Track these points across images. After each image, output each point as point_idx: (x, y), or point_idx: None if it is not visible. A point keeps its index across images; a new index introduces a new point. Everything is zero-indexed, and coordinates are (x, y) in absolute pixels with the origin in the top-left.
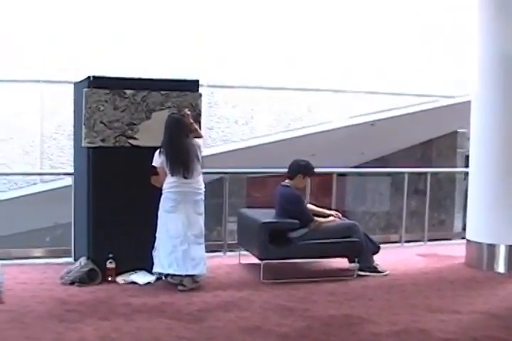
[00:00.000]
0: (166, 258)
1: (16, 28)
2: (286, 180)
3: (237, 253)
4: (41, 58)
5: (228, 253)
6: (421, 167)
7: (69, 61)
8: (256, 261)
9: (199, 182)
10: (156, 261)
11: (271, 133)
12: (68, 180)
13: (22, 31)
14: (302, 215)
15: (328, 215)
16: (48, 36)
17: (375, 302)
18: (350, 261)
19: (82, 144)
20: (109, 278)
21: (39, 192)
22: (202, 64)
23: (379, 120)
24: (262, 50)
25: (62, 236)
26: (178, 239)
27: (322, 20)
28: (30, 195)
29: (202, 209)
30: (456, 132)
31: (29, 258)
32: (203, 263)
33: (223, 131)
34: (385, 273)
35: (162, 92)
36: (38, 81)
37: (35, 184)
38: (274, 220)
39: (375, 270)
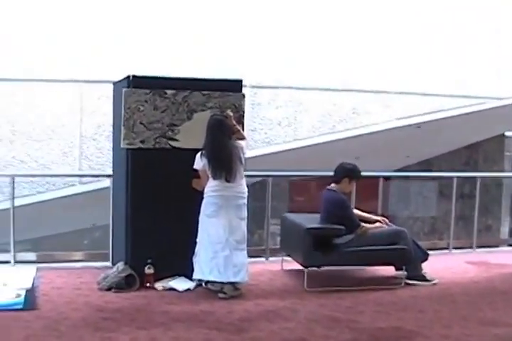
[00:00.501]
0: (206, 264)
1: (54, 27)
2: (332, 184)
3: (280, 258)
4: (81, 57)
5: (270, 259)
6: (466, 171)
7: (109, 60)
8: (299, 267)
9: (242, 185)
10: (196, 267)
11: (314, 135)
12: (106, 182)
13: (60, 30)
14: (348, 221)
15: (375, 221)
16: (88, 34)
17: (425, 313)
18: (397, 269)
19: (121, 145)
20: (148, 285)
21: (78, 194)
22: (245, 64)
23: (425, 122)
24: (306, 50)
25: (100, 239)
26: (220, 244)
27: (365, 17)
28: (69, 196)
29: (244, 213)
30: (503, 135)
31: (66, 261)
32: (245, 269)
33: (266, 132)
34: (433, 282)
35: (204, 92)
36: (77, 81)
37: (73, 185)
38: (319, 226)
39: (423, 279)
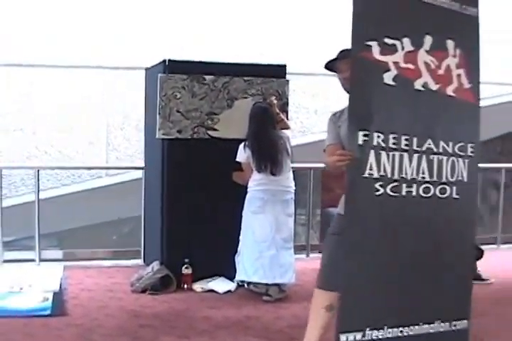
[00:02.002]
0: (251, 264)
1: (78, 11)
2: None
3: (320, 255)
4: (107, 43)
5: (311, 255)
6: (500, 161)
7: (137, 46)
8: None
9: (289, 179)
10: (239, 267)
11: None
12: (134, 174)
13: (85, 14)
14: None
15: None
16: (115, 18)
17: (488, 317)
18: None
19: (157, 136)
20: (185, 286)
21: (104, 186)
22: (280, 50)
23: None
24: (341, 35)
25: (130, 235)
26: (265, 243)
27: None
28: (95, 188)
29: (292, 209)
30: None
31: (94, 259)
32: (292, 270)
33: (302, 121)
34: (489, 282)
35: (245, 78)
36: (103, 67)
37: (100, 177)
38: None
39: (479, 278)
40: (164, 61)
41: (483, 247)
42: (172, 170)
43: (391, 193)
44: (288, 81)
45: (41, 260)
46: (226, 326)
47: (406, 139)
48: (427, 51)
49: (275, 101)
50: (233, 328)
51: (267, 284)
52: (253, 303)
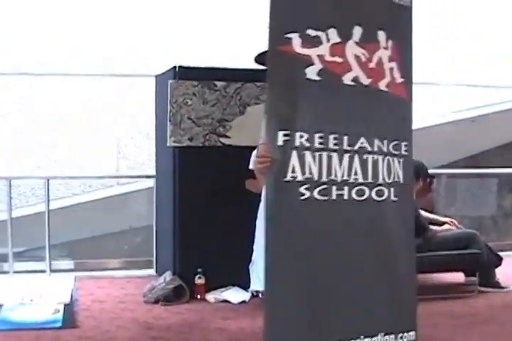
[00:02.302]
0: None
1: (87, 20)
2: None
3: None
4: (117, 51)
5: None
6: None
7: (148, 53)
8: None
9: None
10: (253, 276)
11: None
12: (146, 182)
13: (93, 21)
14: (416, 223)
15: (443, 223)
16: (124, 26)
17: (508, 326)
18: (468, 275)
19: (168, 143)
20: (198, 296)
21: (115, 196)
22: None
23: (481, 115)
24: None
25: (141, 244)
26: None
27: None
28: (107, 198)
29: None
30: None
31: (106, 269)
32: None
33: None
34: (508, 289)
35: (258, 84)
36: (113, 75)
37: (111, 186)
38: None
39: (497, 285)
40: (174, 67)
41: (501, 254)
42: (184, 178)
43: (319, 197)
44: None
45: (52, 271)
46: (241, 338)
47: (335, 138)
48: (356, 43)
49: None
50: (248, 340)
51: None
52: None
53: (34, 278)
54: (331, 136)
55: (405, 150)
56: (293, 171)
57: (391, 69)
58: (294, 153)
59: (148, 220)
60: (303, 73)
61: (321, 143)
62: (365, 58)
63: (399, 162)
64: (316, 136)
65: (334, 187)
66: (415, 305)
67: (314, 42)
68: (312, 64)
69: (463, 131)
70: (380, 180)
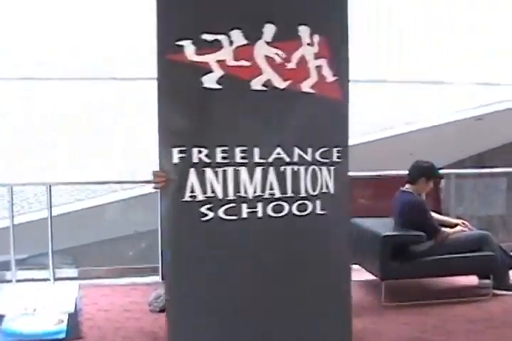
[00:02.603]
0: None
1: (86, 23)
2: (407, 185)
3: None
4: (117, 53)
5: None
6: None
7: (150, 54)
8: (370, 277)
9: None
10: None
11: (370, 131)
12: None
13: (91, 25)
14: (428, 226)
15: (455, 224)
16: (124, 28)
17: None
18: (481, 277)
19: None
20: None
21: (120, 200)
22: None
23: (488, 114)
24: (355, 39)
25: (146, 250)
26: None
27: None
28: (111, 203)
29: None
30: None
31: (110, 277)
32: None
33: None
34: None
35: None
36: (115, 78)
37: (115, 191)
38: (398, 233)
39: (511, 288)
40: None
41: None
42: None
43: (225, 217)
44: None
45: (56, 279)
46: None
47: (242, 151)
48: (268, 43)
49: None
50: None
51: None
52: None
53: (37, 286)
54: (237, 149)
55: (338, 157)
56: (192, 190)
57: (318, 67)
58: (192, 171)
59: (155, 224)
60: (198, 82)
61: (224, 158)
62: (281, 59)
63: (329, 171)
64: (218, 150)
65: (244, 205)
66: (349, 317)
67: (213, 47)
68: (210, 71)
69: (472, 130)
70: (303, 193)
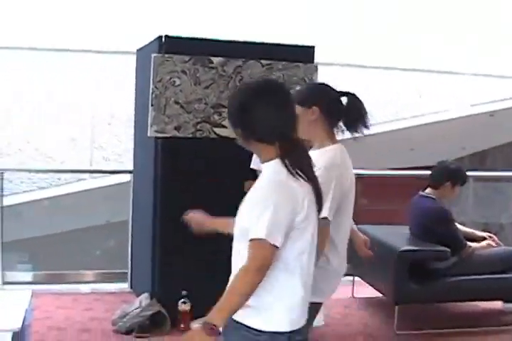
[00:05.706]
0: None
1: None
2: (427, 190)
3: (348, 280)
4: (92, 24)
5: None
6: None
7: (128, 25)
8: (376, 294)
9: None
10: None
11: (377, 122)
12: (124, 176)
13: None
14: (452, 239)
15: (482, 238)
16: None
17: None
18: (506, 301)
19: (148, 133)
20: (182, 326)
21: (88, 190)
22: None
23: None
24: (366, 27)
25: (115, 250)
26: None
27: None
28: (78, 192)
29: None
30: None
31: (71, 283)
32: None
33: None
34: None
35: (263, 62)
36: (87, 51)
37: (83, 180)
38: (417, 248)
39: None
40: (160, 37)
41: None
42: (167, 176)
43: None
44: (317, 66)
45: (4, 283)
46: None
47: None
48: None
49: None
50: None
51: None
52: None
53: None
54: None
55: None
56: None
57: None
58: None
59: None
60: None
61: None
62: None
63: None
64: None
65: None
66: None
67: None
68: None
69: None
70: None
